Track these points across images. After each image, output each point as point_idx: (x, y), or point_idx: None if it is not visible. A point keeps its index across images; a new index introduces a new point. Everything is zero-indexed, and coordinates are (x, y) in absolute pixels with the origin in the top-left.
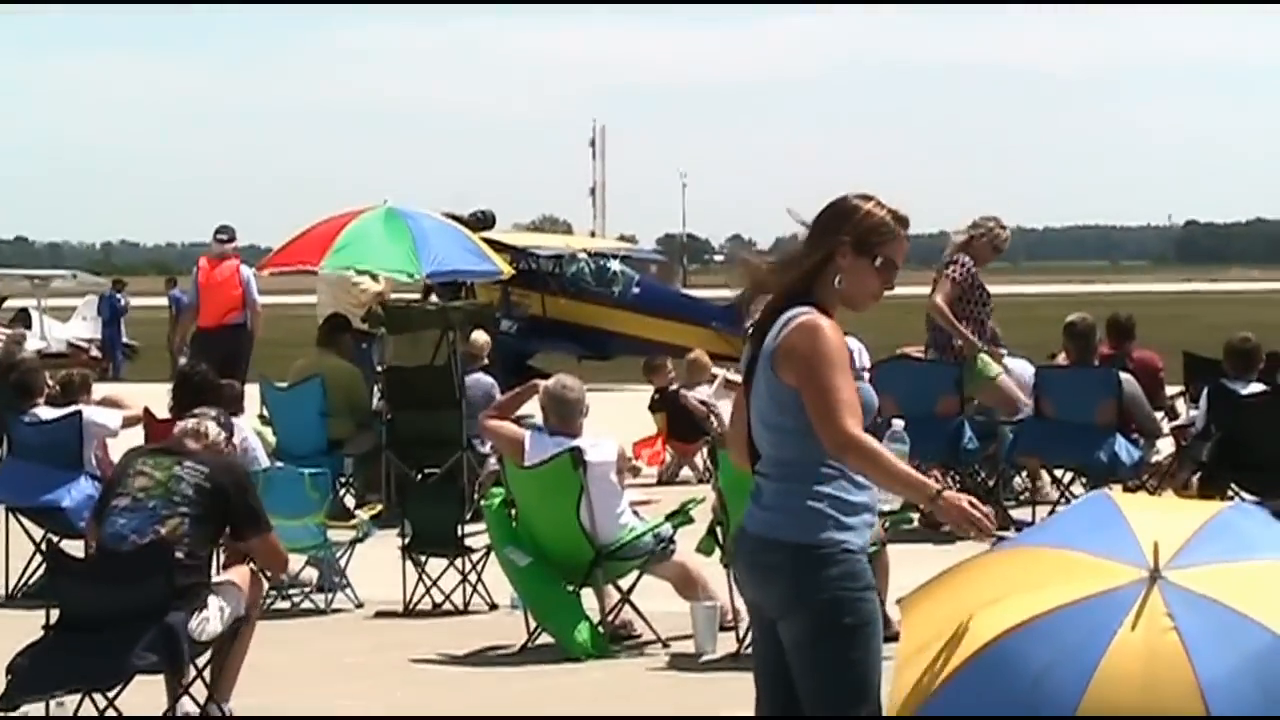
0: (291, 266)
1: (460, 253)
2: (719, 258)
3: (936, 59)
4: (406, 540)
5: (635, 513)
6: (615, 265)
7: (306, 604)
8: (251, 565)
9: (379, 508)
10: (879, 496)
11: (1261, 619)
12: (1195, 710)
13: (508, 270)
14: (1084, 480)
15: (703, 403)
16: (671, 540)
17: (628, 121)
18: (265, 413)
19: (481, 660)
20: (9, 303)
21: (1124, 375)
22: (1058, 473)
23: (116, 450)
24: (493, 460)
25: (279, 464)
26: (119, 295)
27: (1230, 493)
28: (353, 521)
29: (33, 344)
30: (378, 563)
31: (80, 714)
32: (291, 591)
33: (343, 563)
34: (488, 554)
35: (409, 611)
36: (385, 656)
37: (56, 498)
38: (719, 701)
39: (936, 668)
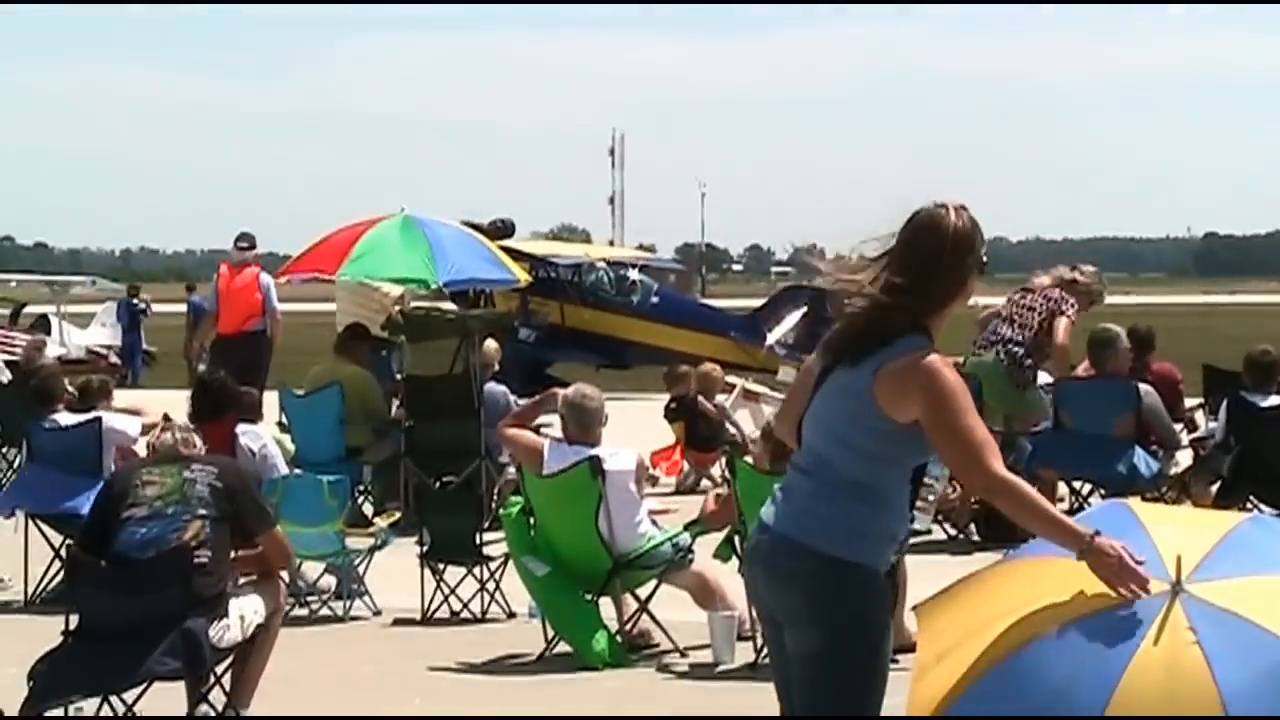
0: (308, 275)
1: (477, 261)
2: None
3: (955, 70)
4: (425, 548)
5: (654, 522)
6: (634, 274)
7: (324, 611)
8: (270, 572)
9: (397, 515)
10: (916, 517)
11: None
12: None
13: (525, 278)
14: (1102, 493)
15: (718, 406)
16: (690, 549)
17: (647, 131)
18: (284, 420)
19: (499, 669)
20: (29, 309)
21: (1143, 387)
22: (1075, 485)
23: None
24: (511, 469)
25: (297, 471)
26: (136, 301)
27: (1249, 505)
28: (371, 529)
29: (52, 350)
30: (396, 570)
31: (100, 716)
32: (309, 599)
33: (361, 570)
34: (506, 562)
35: (427, 619)
36: (403, 665)
37: (76, 504)
38: (736, 711)
39: (955, 677)
